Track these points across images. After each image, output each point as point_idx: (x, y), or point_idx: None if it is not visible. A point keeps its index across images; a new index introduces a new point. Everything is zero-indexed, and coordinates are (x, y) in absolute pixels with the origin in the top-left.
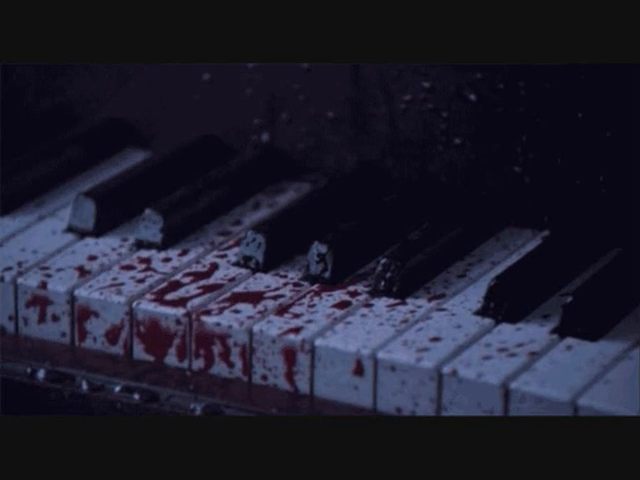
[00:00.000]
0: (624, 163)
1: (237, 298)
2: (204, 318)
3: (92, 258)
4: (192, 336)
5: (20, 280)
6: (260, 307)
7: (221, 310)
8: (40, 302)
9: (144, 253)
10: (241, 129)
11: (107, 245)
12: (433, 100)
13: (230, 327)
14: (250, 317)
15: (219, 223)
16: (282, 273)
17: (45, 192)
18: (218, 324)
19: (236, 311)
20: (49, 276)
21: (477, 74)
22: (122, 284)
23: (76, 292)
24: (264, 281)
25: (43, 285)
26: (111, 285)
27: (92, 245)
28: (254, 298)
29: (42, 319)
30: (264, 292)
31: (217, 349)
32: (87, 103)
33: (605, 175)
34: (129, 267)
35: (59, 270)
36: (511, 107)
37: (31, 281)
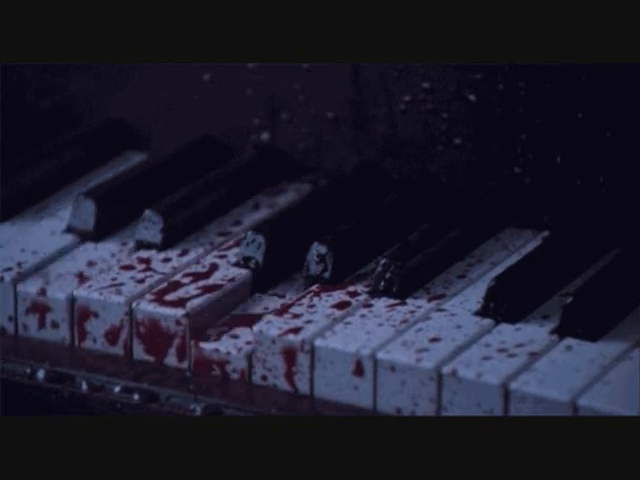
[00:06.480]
0: (624, 163)
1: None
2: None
3: (91, 264)
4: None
5: (20, 286)
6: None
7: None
8: (40, 309)
9: (144, 253)
10: (241, 129)
11: (107, 250)
12: (433, 100)
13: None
14: None
15: (219, 224)
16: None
17: (45, 193)
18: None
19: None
20: (48, 282)
21: (477, 74)
22: (122, 284)
23: (75, 292)
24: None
25: (42, 292)
26: (111, 285)
27: (91, 250)
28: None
29: (42, 325)
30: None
31: None
32: (87, 103)
33: (605, 175)
34: (129, 267)
35: (58, 276)
36: (511, 107)
37: (30, 287)
